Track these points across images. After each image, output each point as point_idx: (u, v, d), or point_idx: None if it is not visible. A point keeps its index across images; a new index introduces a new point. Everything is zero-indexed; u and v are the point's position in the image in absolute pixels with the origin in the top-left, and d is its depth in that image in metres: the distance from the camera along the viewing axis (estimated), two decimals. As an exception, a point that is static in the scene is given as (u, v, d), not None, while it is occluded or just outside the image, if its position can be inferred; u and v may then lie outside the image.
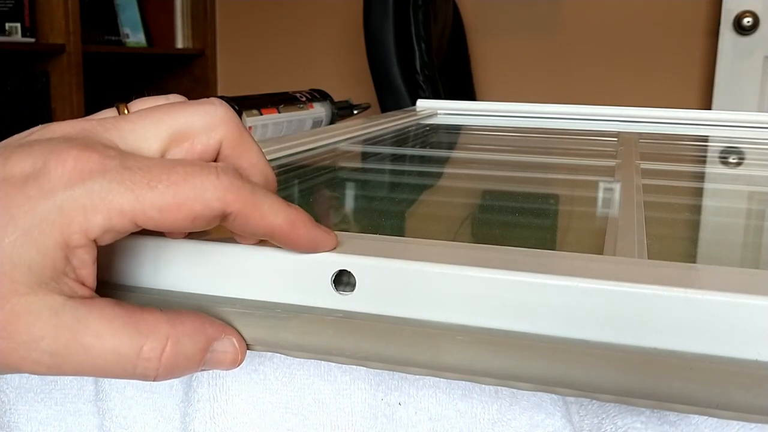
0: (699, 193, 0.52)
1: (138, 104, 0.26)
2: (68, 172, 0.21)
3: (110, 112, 0.26)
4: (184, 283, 0.26)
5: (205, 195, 0.22)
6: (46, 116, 1.81)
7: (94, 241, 0.22)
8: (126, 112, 0.26)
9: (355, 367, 0.22)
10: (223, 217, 0.22)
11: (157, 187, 0.21)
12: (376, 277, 0.24)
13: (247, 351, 0.23)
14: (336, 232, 0.25)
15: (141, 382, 0.26)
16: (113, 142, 0.23)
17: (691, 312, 0.21)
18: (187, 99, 0.27)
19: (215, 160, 0.25)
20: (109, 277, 0.26)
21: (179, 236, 0.26)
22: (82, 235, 0.21)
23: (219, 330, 0.24)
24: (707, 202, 0.50)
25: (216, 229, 0.27)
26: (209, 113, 0.25)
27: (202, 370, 0.24)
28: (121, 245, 0.26)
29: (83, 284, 0.22)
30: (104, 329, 0.22)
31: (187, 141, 0.24)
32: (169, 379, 0.23)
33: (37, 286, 0.21)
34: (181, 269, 0.26)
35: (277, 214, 0.23)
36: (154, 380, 0.23)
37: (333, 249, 0.25)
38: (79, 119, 0.24)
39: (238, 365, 0.24)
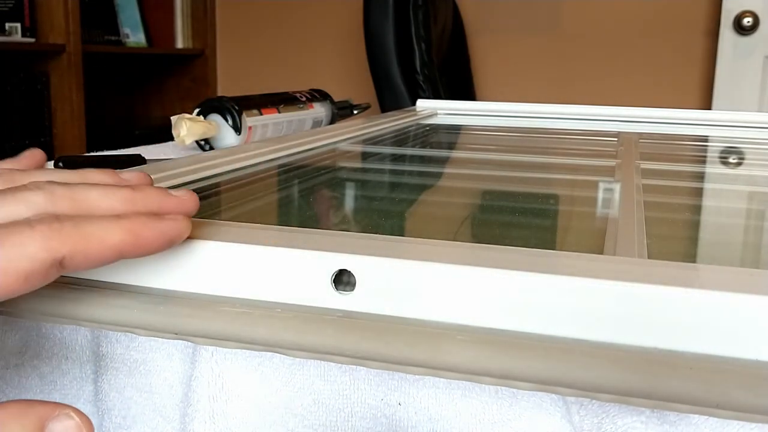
0: (699, 193, 0.52)
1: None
2: None
3: None
4: (184, 284, 0.26)
5: (28, 250, 0.20)
6: (46, 116, 1.81)
7: None
8: None
9: (355, 367, 0.22)
10: (60, 264, 0.21)
11: None
12: (376, 276, 0.23)
13: (247, 351, 0.23)
14: (335, 232, 0.25)
15: (141, 381, 0.26)
16: None
17: (691, 312, 0.21)
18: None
19: None
20: (109, 277, 0.26)
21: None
22: None
23: (51, 408, 0.21)
24: (707, 202, 0.49)
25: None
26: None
27: None
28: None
29: None
30: None
31: None
32: None
33: None
34: (181, 269, 0.26)
35: (112, 232, 0.22)
36: None
37: (187, 234, 0.24)
38: None
39: None
